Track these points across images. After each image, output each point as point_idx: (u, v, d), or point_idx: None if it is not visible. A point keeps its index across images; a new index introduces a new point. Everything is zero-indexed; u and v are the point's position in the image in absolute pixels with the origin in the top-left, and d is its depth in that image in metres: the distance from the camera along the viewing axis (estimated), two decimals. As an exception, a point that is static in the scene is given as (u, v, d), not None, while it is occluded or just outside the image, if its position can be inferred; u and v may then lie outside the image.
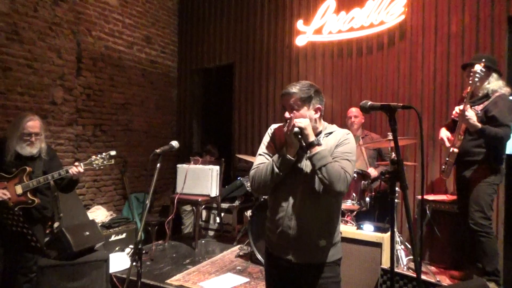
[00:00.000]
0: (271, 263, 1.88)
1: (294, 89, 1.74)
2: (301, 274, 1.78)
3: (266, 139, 1.88)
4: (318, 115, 1.79)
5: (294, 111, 1.74)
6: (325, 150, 1.68)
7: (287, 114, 1.75)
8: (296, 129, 1.64)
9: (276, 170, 1.71)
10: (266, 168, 1.75)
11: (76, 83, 4.56)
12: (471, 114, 2.94)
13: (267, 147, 1.85)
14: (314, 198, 1.73)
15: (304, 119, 1.68)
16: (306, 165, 1.75)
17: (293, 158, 1.71)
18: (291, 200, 1.76)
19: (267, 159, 1.81)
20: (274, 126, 1.86)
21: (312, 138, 1.67)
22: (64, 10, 4.38)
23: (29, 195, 2.79)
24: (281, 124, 1.81)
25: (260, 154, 1.87)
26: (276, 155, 1.74)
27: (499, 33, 3.86)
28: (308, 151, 1.67)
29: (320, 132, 1.81)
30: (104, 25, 4.91)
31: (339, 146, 1.75)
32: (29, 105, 4.03)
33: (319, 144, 1.68)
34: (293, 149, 1.71)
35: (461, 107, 3.00)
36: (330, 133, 1.81)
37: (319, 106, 1.79)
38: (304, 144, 1.67)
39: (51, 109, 4.27)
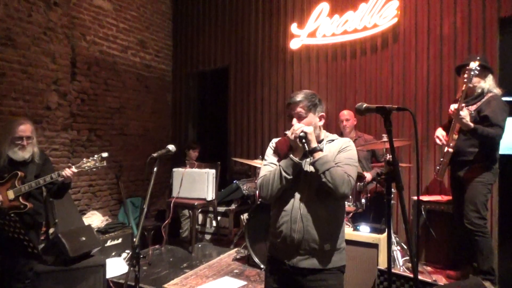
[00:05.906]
0: (273, 269, 1.86)
1: (300, 97, 1.81)
2: (304, 280, 1.76)
3: (269, 151, 1.95)
4: (321, 122, 1.88)
5: (301, 118, 1.81)
6: (327, 156, 1.74)
7: (294, 121, 1.81)
8: (301, 134, 1.71)
9: (284, 174, 1.75)
10: (274, 174, 1.79)
11: (71, 87, 4.55)
12: (465, 114, 2.97)
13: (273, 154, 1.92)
14: (318, 202, 1.76)
15: (308, 127, 1.75)
16: (308, 171, 1.78)
17: (300, 161, 1.76)
18: (295, 204, 1.78)
19: (273, 167, 1.85)
20: (275, 140, 1.96)
21: (314, 144, 1.73)
22: (58, 15, 4.37)
23: (21, 200, 2.76)
24: (283, 138, 1.89)
25: (265, 165, 1.91)
26: (283, 160, 1.79)
27: (491, 35, 3.91)
28: (311, 157, 1.73)
29: (322, 140, 1.88)
30: (98, 30, 4.91)
31: (342, 152, 1.81)
32: (24, 110, 4.01)
33: (321, 150, 1.76)
34: (299, 154, 1.77)
35: (456, 105, 3.03)
36: (332, 140, 1.89)
37: (323, 113, 1.88)
38: (307, 149, 1.72)
39: (45, 114, 4.25)
